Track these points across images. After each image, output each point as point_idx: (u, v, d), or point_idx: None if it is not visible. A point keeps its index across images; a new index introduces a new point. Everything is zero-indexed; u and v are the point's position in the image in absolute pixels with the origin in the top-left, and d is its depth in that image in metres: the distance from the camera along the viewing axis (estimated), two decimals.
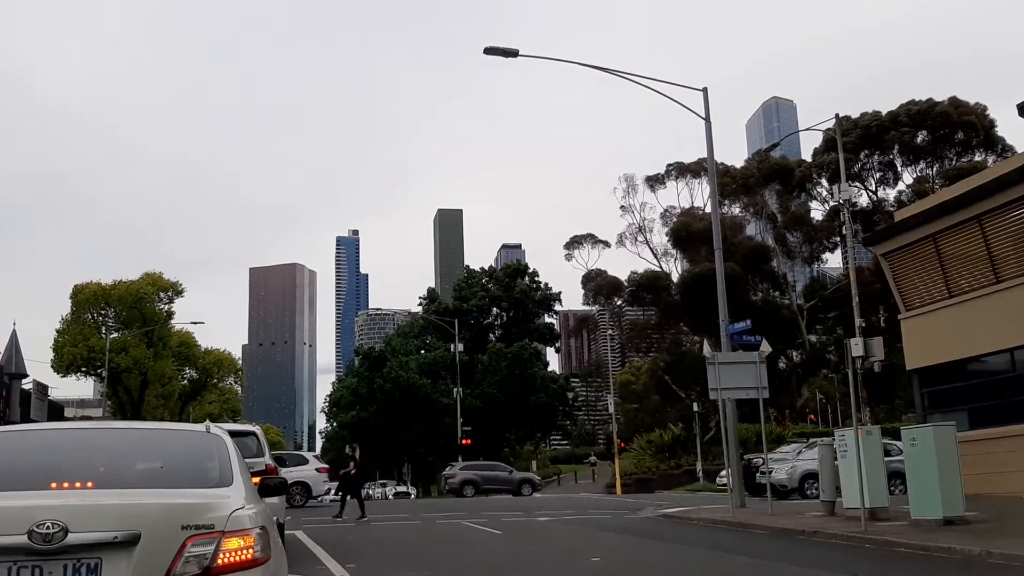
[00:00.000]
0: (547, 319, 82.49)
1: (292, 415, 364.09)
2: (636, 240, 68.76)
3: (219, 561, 4.07)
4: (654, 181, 68.35)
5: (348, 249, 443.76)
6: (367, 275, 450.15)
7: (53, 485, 4.30)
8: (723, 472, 31.64)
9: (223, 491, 4.50)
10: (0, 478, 4.45)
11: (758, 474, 25.65)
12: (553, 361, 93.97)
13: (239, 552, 4.13)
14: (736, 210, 66.68)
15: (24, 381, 58.60)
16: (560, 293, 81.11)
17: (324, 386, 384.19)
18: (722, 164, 61.12)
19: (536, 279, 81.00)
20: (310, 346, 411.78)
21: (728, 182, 60.91)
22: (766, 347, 20.19)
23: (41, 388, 64.21)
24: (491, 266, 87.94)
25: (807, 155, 66.24)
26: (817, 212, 64.49)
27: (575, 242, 72.66)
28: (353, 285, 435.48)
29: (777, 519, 17.31)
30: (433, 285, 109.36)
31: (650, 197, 74.07)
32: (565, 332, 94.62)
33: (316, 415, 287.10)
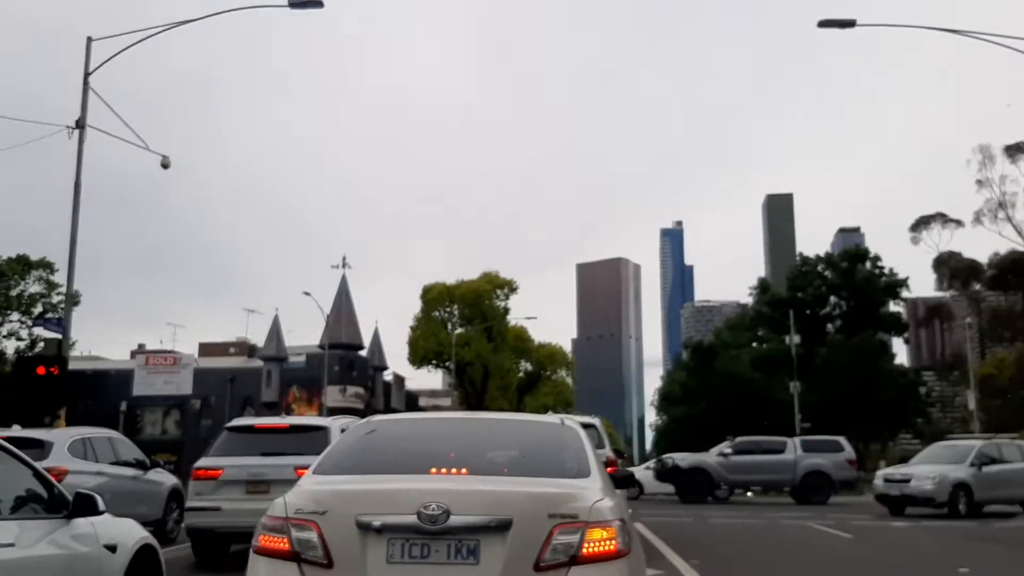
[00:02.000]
0: (892, 307, 76.53)
1: (621, 408, 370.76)
2: (996, 217, 61.80)
3: (584, 551, 4.10)
4: (1015, 151, 61.03)
5: (672, 241, 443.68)
6: (692, 266, 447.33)
7: (433, 470, 4.57)
8: None
9: (583, 482, 4.55)
10: (390, 462, 4.83)
11: None
12: (901, 353, 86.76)
13: (602, 543, 4.14)
14: None
15: (385, 373, 65.17)
16: (907, 279, 74.86)
17: (651, 379, 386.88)
18: None
19: (879, 264, 75.31)
20: (636, 339, 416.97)
21: None
22: None
23: (399, 379, 71.03)
24: (827, 252, 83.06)
25: None
26: None
27: (922, 222, 66.94)
28: (678, 277, 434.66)
29: None
30: (763, 275, 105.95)
31: (1011, 169, 66.26)
32: (914, 321, 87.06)
33: (644, 409, 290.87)
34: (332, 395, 51.86)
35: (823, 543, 15.50)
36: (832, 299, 75.93)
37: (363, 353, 59.88)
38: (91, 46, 20.69)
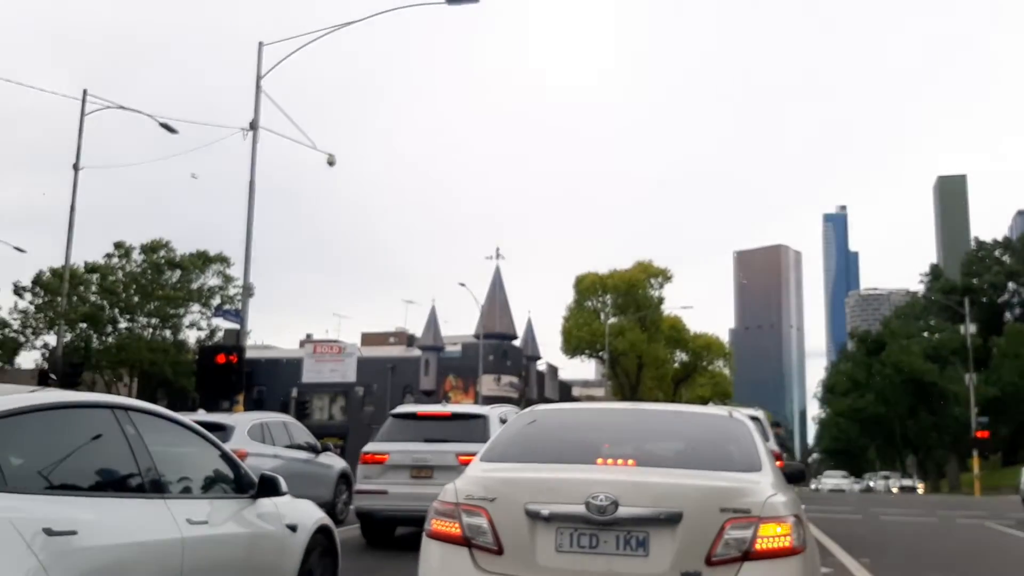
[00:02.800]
0: None
1: (781, 400, 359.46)
2: None
3: (757, 546, 4.01)
4: None
5: (836, 226, 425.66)
6: (856, 253, 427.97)
7: (599, 461, 4.57)
8: None
9: (754, 476, 4.43)
10: (555, 452, 4.85)
11: None
12: None
13: (776, 539, 4.04)
14: None
15: (538, 362, 65.76)
16: None
17: (813, 370, 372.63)
18: None
19: None
20: (797, 329, 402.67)
21: None
22: None
23: (552, 369, 71.49)
24: (1004, 236, 77.98)
25: None
26: None
27: None
28: (842, 264, 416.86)
29: None
30: (935, 261, 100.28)
31: None
32: None
33: (806, 401, 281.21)
34: (487, 384, 52.81)
35: (1002, 544, 14.55)
36: (1011, 286, 71.07)
37: (517, 343, 60.65)
38: (262, 51, 21.82)
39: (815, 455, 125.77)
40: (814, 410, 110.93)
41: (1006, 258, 71.56)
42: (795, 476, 6.10)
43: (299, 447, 14.47)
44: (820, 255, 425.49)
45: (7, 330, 40.03)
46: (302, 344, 68.70)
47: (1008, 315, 70.69)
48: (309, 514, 6.02)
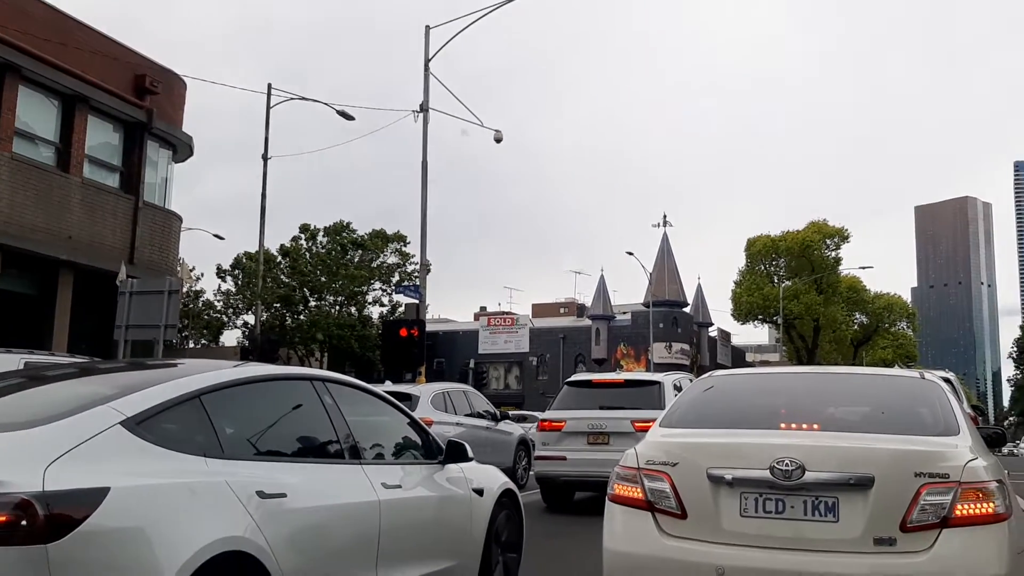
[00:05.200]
0: None
1: (972, 361, 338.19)
2: None
3: (956, 512, 3.85)
4: None
5: None
6: None
7: (783, 425, 4.48)
8: None
9: (951, 439, 4.24)
10: (738, 417, 4.81)
11: None
12: None
13: (978, 505, 3.86)
14: None
15: (710, 329, 64.60)
16: None
17: (1008, 329, 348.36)
18: None
19: None
20: (989, 286, 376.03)
21: None
22: None
23: (724, 335, 70.05)
24: None
25: None
26: None
27: None
28: None
29: None
30: None
31: None
32: None
33: (1000, 362, 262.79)
34: (658, 351, 52.40)
35: None
36: None
37: (687, 310, 59.79)
38: (429, 34, 22.35)
39: (1011, 418, 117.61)
40: (1009, 371, 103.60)
41: None
42: (994, 440, 5.79)
43: (480, 415, 14.91)
44: (1012, 206, 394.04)
45: (212, 311, 43.13)
46: (476, 317, 70.21)
47: None
48: (494, 478, 6.20)
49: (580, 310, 69.87)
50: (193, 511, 3.38)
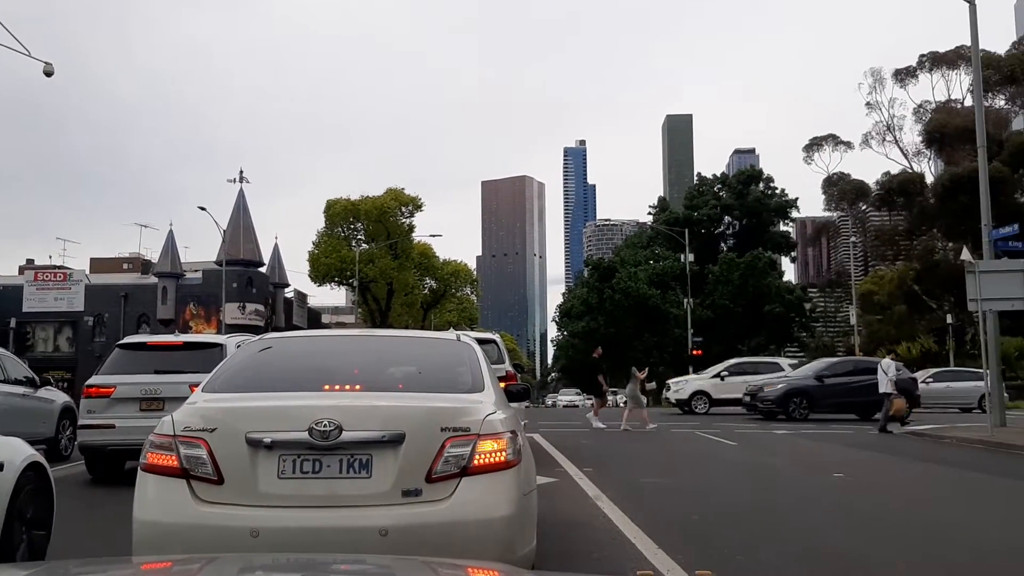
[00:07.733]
0: (782, 227, 79.27)
1: (524, 324, 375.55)
2: (883, 140, 64.29)
3: (475, 462, 4.23)
4: (904, 75, 63.16)
5: (575, 160, 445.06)
6: (594, 185, 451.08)
7: (326, 387, 4.60)
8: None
9: (476, 396, 4.66)
10: (283, 380, 4.86)
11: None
12: (789, 271, 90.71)
13: (493, 454, 4.28)
14: (1000, 103, 60.39)
15: (286, 290, 64.25)
16: (797, 199, 77.40)
17: (554, 296, 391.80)
18: (983, 51, 55.29)
19: (771, 185, 77.62)
20: (540, 257, 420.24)
21: (991, 74, 55.01)
22: None
23: (301, 296, 70.11)
24: (723, 172, 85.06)
25: None
26: None
27: (815, 144, 68.93)
28: (581, 196, 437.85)
29: None
30: (663, 194, 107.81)
31: (900, 93, 69.16)
32: (802, 240, 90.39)
33: (547, 324, 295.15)
34: (231, 312, 50.88)
35: (709, 450, 16.31)
36: (726, 219, 78.02)
37: (263, 270, 58.77)
38: None
39: (554, 374, 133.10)
40: (553, 332, 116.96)
41: (723, 193, 78.18)
42: (518, 395, 6.48)
43: (16, 381, 13.49)
44: (561, 186, 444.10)
45: None
46: (22, 271, 62.97)
47: (723, 245, 77.60)
48: (17, 451, 5.64)
49: (146, 267, 65.44)
50: None
